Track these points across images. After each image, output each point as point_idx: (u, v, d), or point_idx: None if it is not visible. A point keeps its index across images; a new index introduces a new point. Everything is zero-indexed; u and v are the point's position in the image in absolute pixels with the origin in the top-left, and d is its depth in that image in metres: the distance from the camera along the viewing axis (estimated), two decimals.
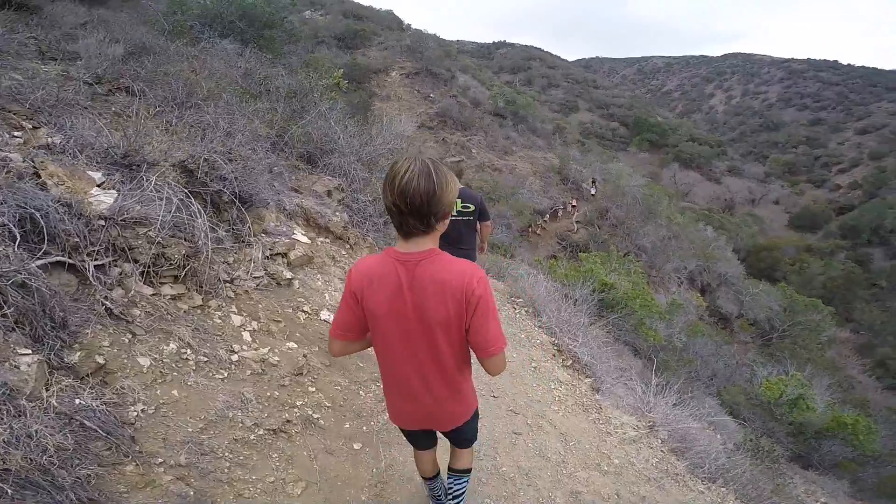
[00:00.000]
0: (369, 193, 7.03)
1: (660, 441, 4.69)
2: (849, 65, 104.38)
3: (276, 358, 3.20)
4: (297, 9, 37.86)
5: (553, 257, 19.39)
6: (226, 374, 2.85)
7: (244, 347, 3.10)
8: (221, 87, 5.85)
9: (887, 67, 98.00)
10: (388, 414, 2.09)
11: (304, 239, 4.88)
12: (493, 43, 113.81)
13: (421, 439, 2.13)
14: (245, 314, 3.33)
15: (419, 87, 28.28)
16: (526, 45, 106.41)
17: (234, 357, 2.98)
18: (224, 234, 3.40)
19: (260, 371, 3.03)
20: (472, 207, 4.08)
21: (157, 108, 4.63)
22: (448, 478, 2.26)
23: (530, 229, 21.04)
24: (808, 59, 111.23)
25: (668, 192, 36.30)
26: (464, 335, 1.60)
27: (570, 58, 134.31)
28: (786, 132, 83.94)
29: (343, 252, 5.94)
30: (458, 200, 3.99)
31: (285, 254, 4.13)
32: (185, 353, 2.74)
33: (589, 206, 24.79)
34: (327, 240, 5.81)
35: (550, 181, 25.85)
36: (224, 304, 3.22)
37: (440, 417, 1.87)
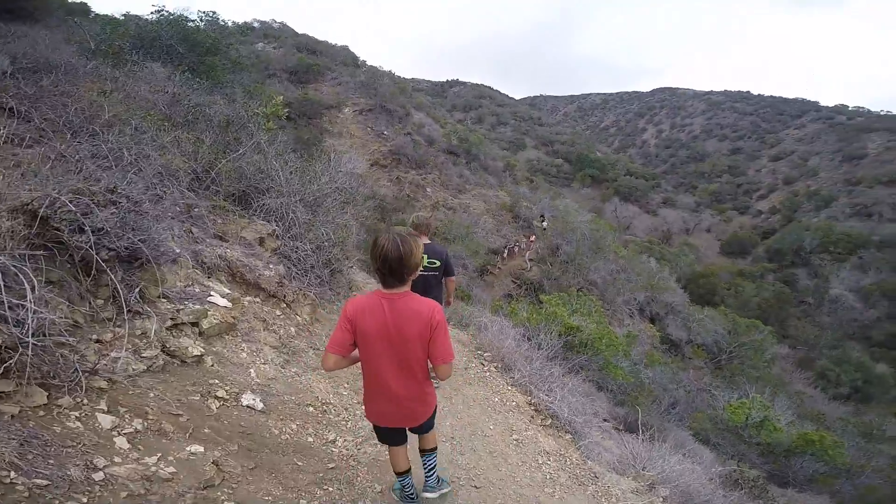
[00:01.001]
0: (312, 240, 6.05)
1: (661, 499, 4.23)
2: (759, 95, 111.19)
3: (170, 469, 2.21)
4: (248, 40, 36.88)
5: (509, 296, 18.78)
6: (84, 501, 1.84)
7: (116, 459, 2.09)
8: (132, 111, 4.82)
9: (790, 96, 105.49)
10: (365, 412, 2.50)
11: (223, 301, 3.86)
12: (447, 81, 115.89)
13: (395, 436, 2.55)
14: (123, 410, 2.31)
15: (373, 124, 27.47)
16: (477, 84, 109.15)
17: (98, 475, 1.97)
18: (100, 302, 2.38)
19: (142, 491, 2.03)
20: (438, 263, 4.36)
21: (39, 134, 3.60)
22: (421, 457, 2.75)
23: (489, 269, 20.40)
24: (725, 90, 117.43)
25: (612, 227, 37.08)
26: (426, 349, 2.20)
27: (518, 95, 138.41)
28: (710, 162, 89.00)
29: (278, 313, 4.96)
30: (425, 256, 4.18)
31: (196, 322, 3.11)
32: (8, 476, 1.74)
33: (540, 243, 24.52)
34: (257, 299, 4.81)
35: (503, 219, 25.37)
36: (87, 401, 2.19)
37: (412, 414, 2.40)
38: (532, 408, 5.10)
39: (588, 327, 9.05)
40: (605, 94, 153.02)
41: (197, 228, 4.88)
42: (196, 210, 5.07)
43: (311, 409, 3.52)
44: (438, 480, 2.84)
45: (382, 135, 26.27)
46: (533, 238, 24.55)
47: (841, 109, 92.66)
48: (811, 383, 24.75)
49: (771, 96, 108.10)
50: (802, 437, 10.68)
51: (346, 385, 4.54)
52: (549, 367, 6.45)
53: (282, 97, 7.88)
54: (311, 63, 33.41)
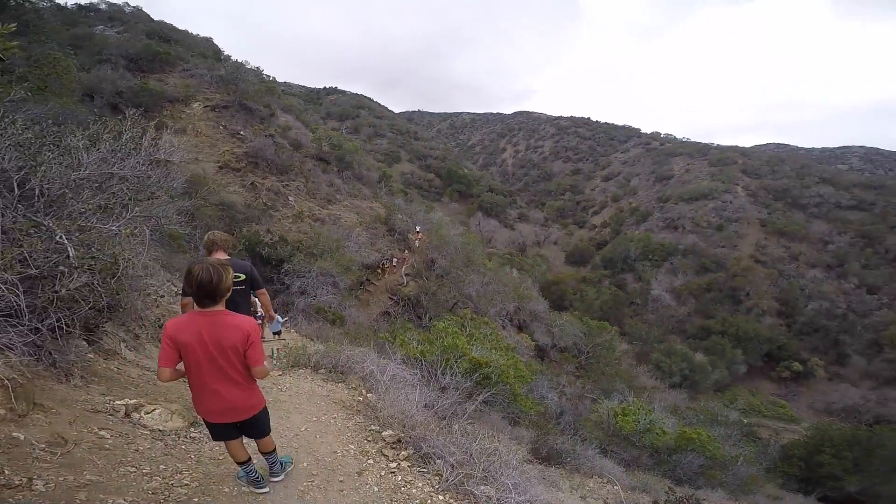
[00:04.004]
0: (13, 263, 3.06)
1: None
2: (597, 121, 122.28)
3: None
4: (88, 21, 29.59)
5: (387, 314, 16.45)
6: None
7: None
8: None
9: (620, 123, 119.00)
10: (196, 411, 2.64)
11: None
12: (324, 88, 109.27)
13: (227, 432, 2.71)
14: None
15: (227, 122, 22.64)
16: (357, 94, 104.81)
17: None
18: None
19: None
20: (244, 277, 3.94)
21: None
22: (264, 457, 3.00)
23: (364, 286, 17.69)
24: (571, 116, 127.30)
25: (479, 240, 37.08)
26: (242, 357, 2.49)
27: (398, 109, 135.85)
28: (556, 182, 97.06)
29: None
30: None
31: None
32: None
33: (416, 257, 22.63)
34: None
35: (377, 232, 22.87)
36: None
37: (240, 408, 2.61)
38: None
39: (497, 361, 7.25)
40: (474, 113, 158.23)
41: None
42: None
43: None
44: (281, 465, 3.15)
45: (238, 134, 21.89)
46: (422, 237, 22.64)
47: (655, 136, 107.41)
48: (651, 375, 26.70)
49: (606, 123, 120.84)
50: (682, 435, 10.61)
51: None
52: (472, 431, 4.27)
53: (14, 27, 4.49)
54: (159, 51, 27.30)
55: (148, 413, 3.77)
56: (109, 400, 3.77)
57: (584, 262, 66.23)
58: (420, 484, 3.26)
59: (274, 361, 6.05)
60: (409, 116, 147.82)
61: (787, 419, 27.22)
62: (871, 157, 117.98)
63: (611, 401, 12.66)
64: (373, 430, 4.02)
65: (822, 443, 15.36)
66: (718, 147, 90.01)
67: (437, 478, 3.33)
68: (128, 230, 3.98)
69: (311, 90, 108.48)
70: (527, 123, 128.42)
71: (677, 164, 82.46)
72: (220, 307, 2.45)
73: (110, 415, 3.54)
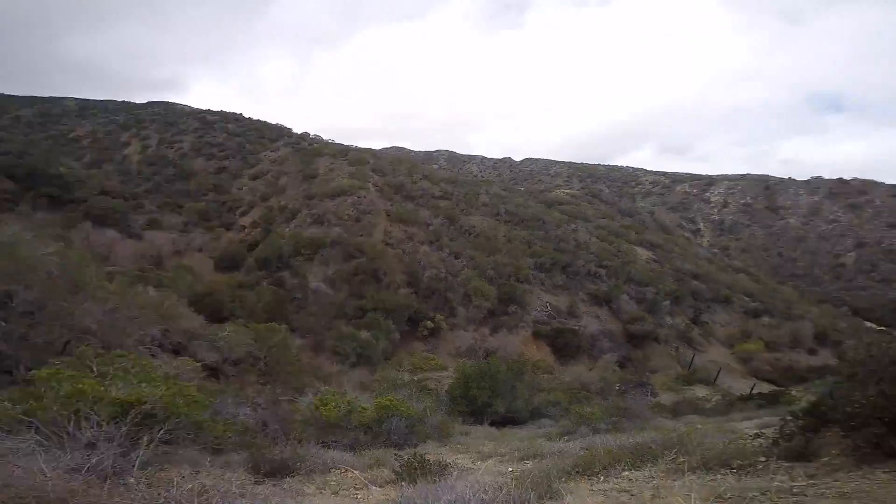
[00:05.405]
0: None
1: None
2: (249, 118, 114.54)
3: None
4: None
5: None
6: None
7: None
8: None
9: (273, 122, 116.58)
10: None
11: None
12: None
13: None
14: None
15: None
16: None
17: None
18: None
19: None
20: None
21: None
22: None
23: None
24: (221, 111, 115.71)
25: (90, 257, 28.57)
26: None
27: None
28: (196, 181, 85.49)
29: None
30: None
31: None
32: None
33: None
34: None
35: None
36: None
37: None
38: None
39: (154, 394, 5.37)
40: (84, 99, 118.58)
41: None
42: None
43: None
44: None
45: None
46: None
47: (305, 137, 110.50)
48: (331, 361, 27.66)
49: (258, 120, 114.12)
50: (379, 406, 11.17)
51: None
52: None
53: None
54: None
55: None
56: None
57: (237, 266, 61.51)
58: None
59: None
60: None
61: (440, 368, 33.59)
62: (452, 158, 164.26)
63: (305, 396, 12.31)
64: None
65: (467, 380, 19.16)
66: (356, 149, 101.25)
67: None
68: None
69: None
70: (163, 115, 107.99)
71: (323, 163, 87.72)
72: None
73: None
